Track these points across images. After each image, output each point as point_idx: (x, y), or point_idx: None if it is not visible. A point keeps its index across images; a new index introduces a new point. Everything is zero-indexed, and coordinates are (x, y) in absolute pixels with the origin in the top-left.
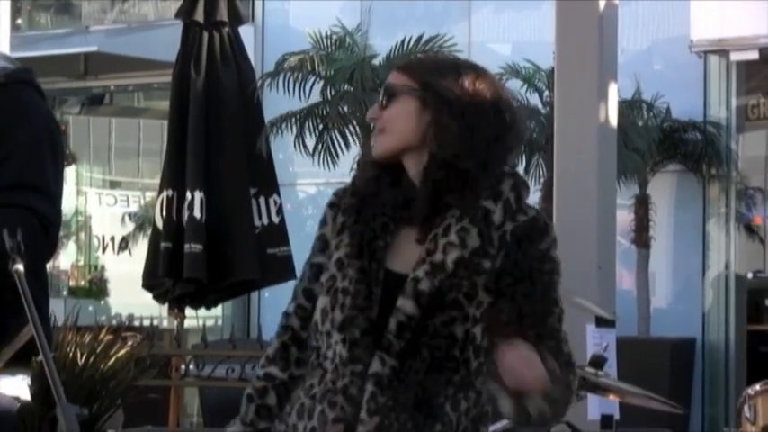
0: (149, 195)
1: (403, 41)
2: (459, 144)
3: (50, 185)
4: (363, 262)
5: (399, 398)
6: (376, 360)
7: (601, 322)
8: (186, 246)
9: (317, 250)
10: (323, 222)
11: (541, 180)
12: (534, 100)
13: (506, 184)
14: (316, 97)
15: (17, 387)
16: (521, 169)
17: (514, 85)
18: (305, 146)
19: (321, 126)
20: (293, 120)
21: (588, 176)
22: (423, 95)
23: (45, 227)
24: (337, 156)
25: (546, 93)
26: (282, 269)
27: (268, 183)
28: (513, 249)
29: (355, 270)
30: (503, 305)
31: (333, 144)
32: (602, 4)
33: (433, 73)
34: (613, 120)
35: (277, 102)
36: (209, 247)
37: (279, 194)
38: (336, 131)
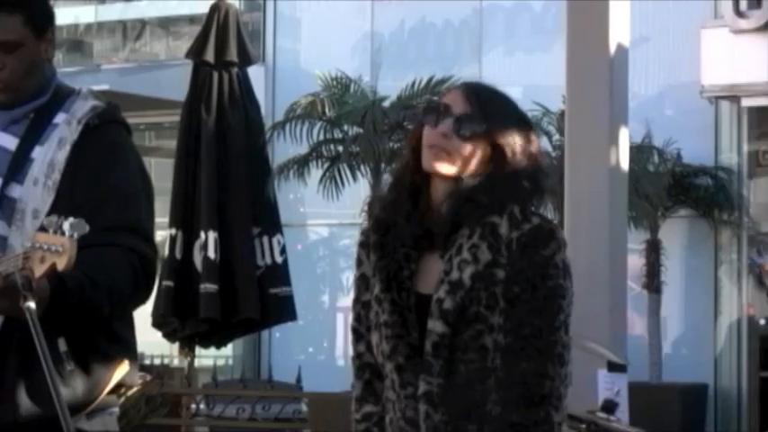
0: (161, 234)
1: (413, 83)
2: (497, 190)
3: (146, 225)
4: (393, 294)
5: (452, 412)
6: (422, 382)
7: (612, 367)
8: (202, 286)
9: (362, 289)
10: (359, 263)
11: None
12: (543, 143)
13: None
14: (322, 138)
15: (106, 422)
16: None
17: None
18: (303, 179)
19: (328, 163)
20: (301, 162)
21: (599, 221)
22: (496, 147)
23: (145, 267)
24: (342, 185)
25: (555, 136)
26: (283, 310)
27: (272, 223)
28: (517, 257)
29: (388, 303)
30: (510, 312)
31: (340, 175)
32: (612, 49)
33: (512, 126)
34: (624, 164)
35: (286, 146)
36: (222, 286)
37: (282, 234)
38: (345, 165)
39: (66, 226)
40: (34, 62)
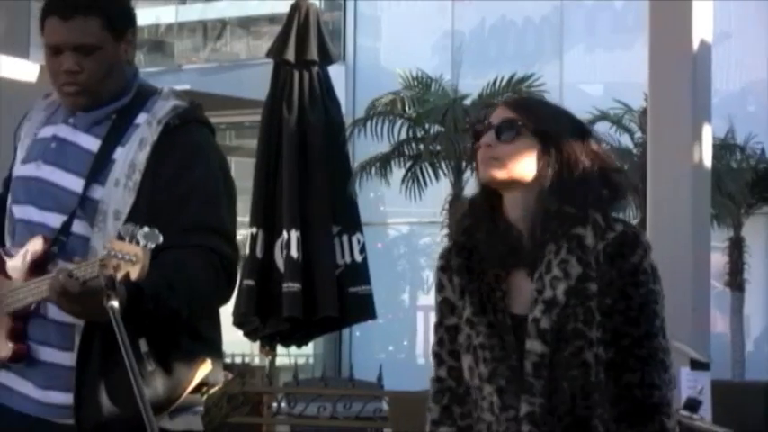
0: (241, 233)
1: (494, 81)
2: (569, 195)
3: (227, 226)
4: (489, 316)
5: (555, 430)
6: (524, 403)
7: (695, 365)
8: (284, 285)
9: (446, 313)
10: (440, 287)
11: (634, 221)
12: (625, 140)
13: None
14: (403, 137)
15: (189, 421)
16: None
17: (604, 126)
18: (386, 178)
19: (410, 161)
20: (383, 161)
21: (682, 219)
22: (549, 142)
23: (226, 267)
24: (425, 185)
25: (637, 134)
26: (362, 308)
27: (351, 221)
28: (606, 269)
29: (484, 326)
30: (607, 325)
31: (422, 174)
32: (695, 45)
33: (560, 121)
34: (707, 161)
35: (366, 144)
36: (304, 285)
37: (362, 233)
38: (427, 164)
39: (140, 235)
40: (112, 64)
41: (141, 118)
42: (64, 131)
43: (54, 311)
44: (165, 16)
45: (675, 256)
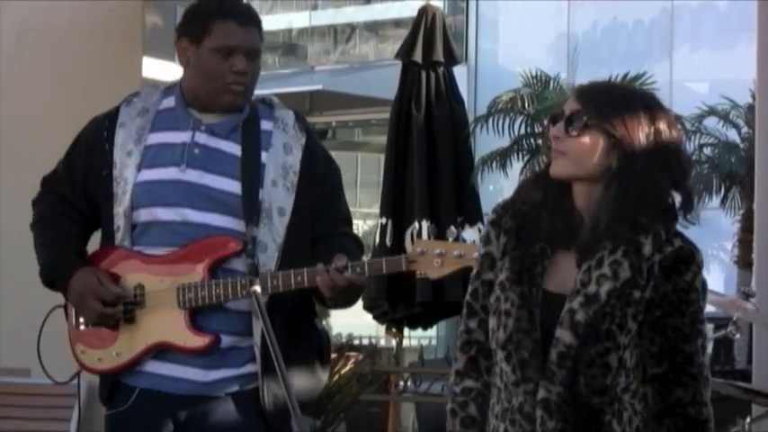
0: (368, 224)
1: (609, 79)
2: (638, 190)
3: (351, 216)
4: (523, 287)
5: (569, 419)
6: (541, 388)
7: None
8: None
9: (485, 267)
10: (487, 240)
11: (739, 211)
12: (732, 135)
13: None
14: (522, 132)
15: None
16: (716, 200)
17: (712, 121)
18: (505, 171)
19: (528, 155)
20: (503, 155)
21: None
22: (614, 137)
23: (362, 251)
24: None
25: (744, 129)
26: None
27: (474, 212)
28: (661, 281)
29: (516, 295)
30: (655, 338)
31: (538, 167)
32: None
33: (627, 113)
34: None
35: (488, 139)
36: None
37: (483, 223)
38: (544, 158)
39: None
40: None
41: (267, 125)
42: (202, 138)
43: (233, 302)
44: (299, 21)
45: None
